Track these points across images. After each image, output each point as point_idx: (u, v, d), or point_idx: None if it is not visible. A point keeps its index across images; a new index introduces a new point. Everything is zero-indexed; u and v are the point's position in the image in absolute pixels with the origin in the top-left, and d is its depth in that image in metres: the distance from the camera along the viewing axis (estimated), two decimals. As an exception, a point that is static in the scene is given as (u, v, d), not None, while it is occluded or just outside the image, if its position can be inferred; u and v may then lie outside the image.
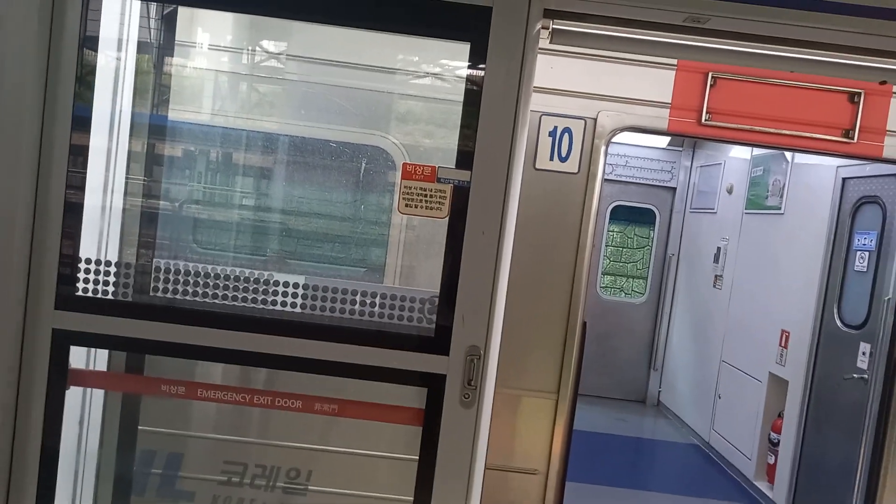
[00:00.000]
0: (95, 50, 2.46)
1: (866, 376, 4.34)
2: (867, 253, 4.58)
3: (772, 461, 5.44)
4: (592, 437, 6.60)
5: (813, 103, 3.58)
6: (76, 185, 2.44)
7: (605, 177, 4.97)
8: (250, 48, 3.68)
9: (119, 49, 2.74)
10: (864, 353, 4.43)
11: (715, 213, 7.14)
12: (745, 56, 3.22)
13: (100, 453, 2.98)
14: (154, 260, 3.00)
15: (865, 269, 4.58)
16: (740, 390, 6.04)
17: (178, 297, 2.52)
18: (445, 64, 2.93)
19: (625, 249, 9.16)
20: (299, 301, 2.49)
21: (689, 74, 3.59)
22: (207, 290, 2.51)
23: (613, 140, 3.75)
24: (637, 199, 8.10)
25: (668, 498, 5.63)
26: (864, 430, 4.16)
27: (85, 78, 2.43)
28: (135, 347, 2.54)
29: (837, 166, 4.89)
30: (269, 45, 3.71)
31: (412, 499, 2.50)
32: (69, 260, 2.41)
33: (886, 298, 4.12)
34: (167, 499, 3.52)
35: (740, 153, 6.60)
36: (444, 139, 3.34)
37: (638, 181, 7.99)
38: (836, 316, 4.84)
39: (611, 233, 8.74)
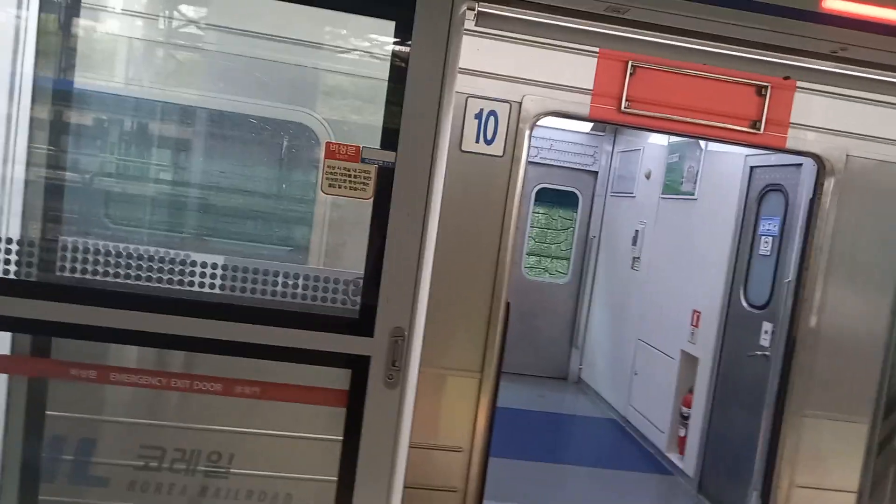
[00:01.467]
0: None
1: (768, 353, 4.62)
2: (771, 238, 4.86)
3: (683, 434, 5.74)
4: (515, 414, 6.77)
5: (724, 95, 3.75)
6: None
7: (531, 160, 5.06)
8: (167, 13, 3.51)
9: (19, 6, 2.56)
10: (766, 332, 4.72)
11: (634, 197, 7.40)
12: (662, 47, 3.34)
13: (4, 440, 2.83)
14: (61, 237, 2.84)
15: (769, 253, 4.86)
16: (655, 367, 6.33)
17: (87, 276, 2.41)
18: (372, 41, 2.89)
19: (549, 231, 9.37)
20: (218, 282, 2.43)
21: (610, 62, 3.69)
22: (120, 269, 2.42)
23: (539, 124, 3.81)
24: (561, 182, 8.28)
25: (587, 471, 5.86)
26: (765, 404, 4.44)
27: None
28: (40, 329, 2.41)
29: (746, 155, 5.15)
30: (188, 11, 3.56)
31: (336, 478, 2.51)
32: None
33: (787, 280, 4.39)
34: (80, 486, 3.39)
35: (658, 140, 6.84)
36: (369, 116, 3.30)
37: (562, 164, 8.16)
38: (742, 297, 5.12)
39: (535, 214, 8.91)
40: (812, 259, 4.00)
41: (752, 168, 5.13)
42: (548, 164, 8.12)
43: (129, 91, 3.52)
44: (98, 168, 3.50)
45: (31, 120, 2.70)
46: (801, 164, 4.45)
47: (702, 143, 5.84)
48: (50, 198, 2.86)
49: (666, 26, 2.59)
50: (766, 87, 3.73)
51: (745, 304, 5.08)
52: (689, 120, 3.76)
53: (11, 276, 2.32)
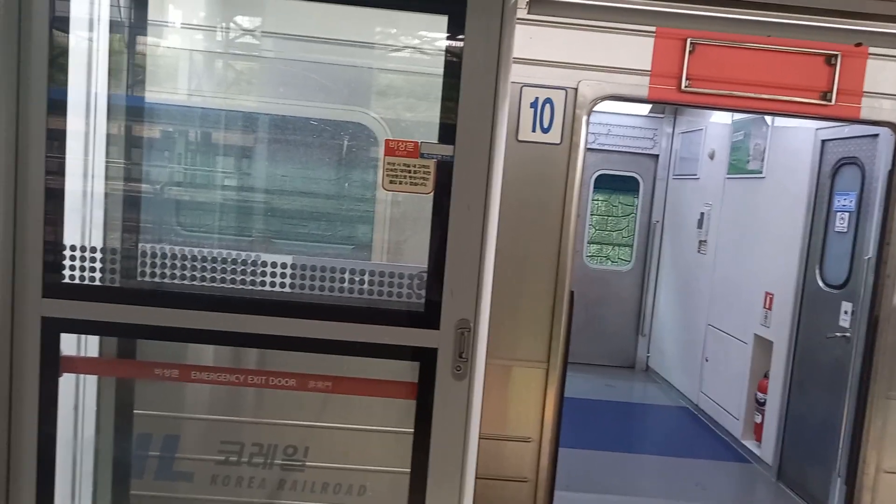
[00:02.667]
0: (66, 31, 2.42)
1: (849, 334, 4.43)
2: (847, 214, 4.64)
3: (759, 420, 5.56)
4: (583, 404, 6.71)
5: (790, 67, 3.60)
6: (55, 170, 2.42)
7: (588, 146, 4.99)
8: (225, 25, 3.63)
9: (91, 29, 2.70)
10: (846, 312, 4.52)
11: (698, 178, 7.19)
12: (722, 21, 3.23)
13: (97, 439, 3.00)
14: (140, 244, 2.98)
15: (846, 230, 4.65)
16: (726, 352, 6.15)
17: (165, 280, 2.52)
18: (425, 37, 2.91)
19: (609, 218, 9.22)
20: (288, 281, 2.50)
21: (668, 41, 3.60)
22: (195, 272, 2.52)
23: (596, 109, 3.76)
24: (620, 168, 8.12)
25: (659, 460, 5.76)
26: (847, 386, 4.26)
27: (57, 60, 2.40)
28: (124, 332, 2.54)
29: (816, 129, 4.93)
30: (243, 21, 3.66)
31: (409, 471, 2.55)
32: (53, 247, 2.41)
33: (867, 258, 4.19)
34: (166, 481, 3.56)
35: (721, 118, 6.63)
36: (425, 113, 3.33)
37: (620, 149, 8.01)
38: (818, 276, 4.92)
39: (595, 202, 8.78)
40: (894, 233, 3.81)
41: (823, 142, 4.91)
42: (606, 150, 7.99)
43: (193, 102, 3.66)
44: (169, 178, 3.66)
45: (107, 136, 2.83)
46: (877, 135, 4.23)
47: (768, 118, 5.63)
48: (127, 208, 3.00)
49: (725, -1, 2.51)
50: (835, 55, 3.57)
51: (821, 283, 4.88)
52: (754, 95, 3.63)
53: (97, 282, 2.45)
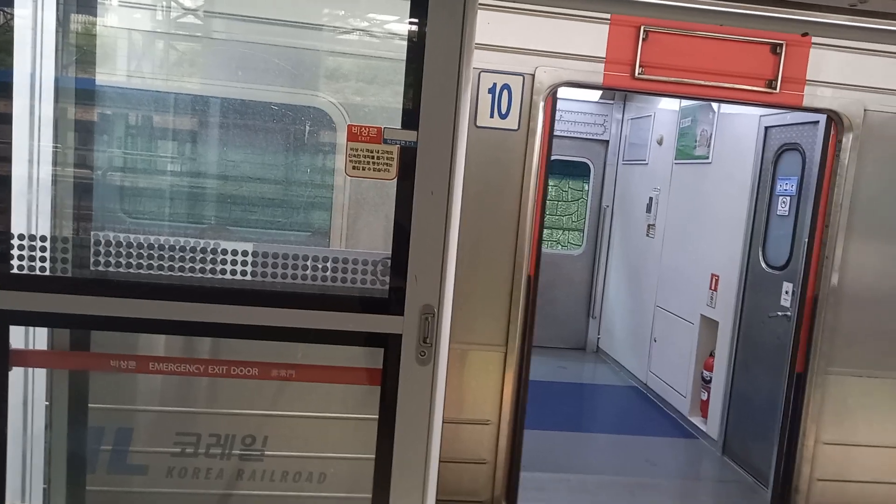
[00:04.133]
0: (10, 9, 2.31)
1: (790, 314, 4.63)
2: (788, 198, 4.84)
3: (705, 398, 5.78)
4: (537, 386, 6.83)
5: (739, 55, 3.71)
6: (0, 155, 2.32)
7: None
8: (176, 5, 3.51)
9: (35, 8, 2.57)
10: (787, 293, 4.72)
11: (646, 164, 7.36)
12: (674, 10, 3.30)
13: (48, 433, 2.90)
14: (91, 232, 2.89)
15: (787, 213, 4.84)
16: (674, 333, 6.35)
17: (118, 269, 2.45)
18: (386, 21, 2.88)
19: (560, 203, 9.34)
20: (249, 269, 2.46)
21: (622, 28, 3.66)
22: (150, 261, 2.45)
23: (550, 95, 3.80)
24: (572, 153, 8.24)
25: (610, 438, 5.92)
26: (787, 363, 4.46)
27: (1, 41, 2.29)
28: (75, 323, 2.46)
29: (760, 115, 5.11)
30: (199, 1, 3.55)
31: (374, 456, 2.56)
32: (1, 237, 2.31)
33: (806, 240, 4.38)
34: (120, 474, 3.48)
35: (669, 105, 6.79)
36: (384, 98, 3.31)
37: (572, 135, 8.11)
38: (761, 258, 5.12)
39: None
40: (831, 216, 3.99)
41: (766, 128, 5.09)
42: (558, 136, 8.06)
43: (143, 84, 3.54)
44: (120, 163, 3.54)
45: (54, 120, 2.72)
46: (817, 122, 4.41)
47: (714, 105, 5.79)
48: (77, 195, 2.89)
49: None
50: (781, 45, 3.69)
51: (764, 265, 5.08)
52: (703, 83, 3.73)
53: (47, 272, 2.36)
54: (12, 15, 2.34)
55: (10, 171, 2.34)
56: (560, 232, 9.43)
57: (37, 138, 2.66)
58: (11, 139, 2.33)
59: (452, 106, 2.37)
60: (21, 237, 2.34)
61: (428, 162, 2.37)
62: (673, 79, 3.75)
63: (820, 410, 4.15)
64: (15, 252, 2.33)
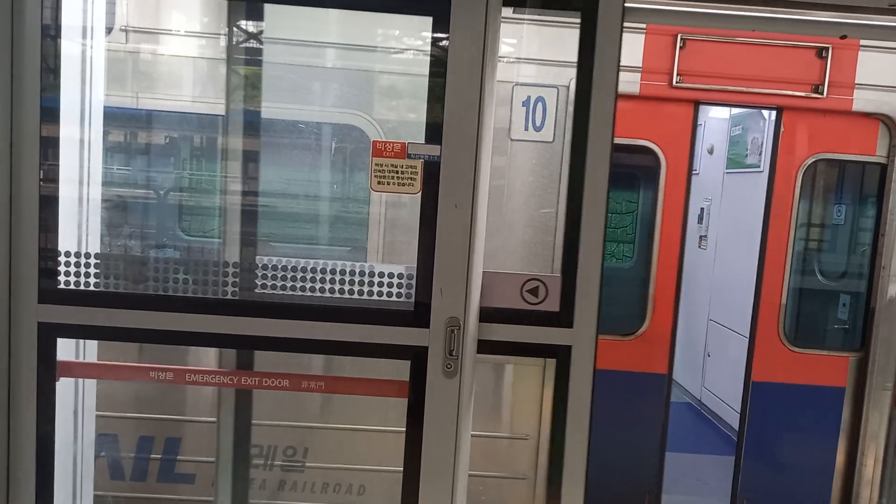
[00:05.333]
0: (59, 38, 2.45)
1: (847, 326, 4.42)
2: (843, 206, 4.63)
3: (760, 414, 5.55)
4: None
5: (781, 60, 3.60)
6: (50, 177, 2.45)
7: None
8: (225, 31, 3.65)
9: (84, 36, 2.72)
10: (843, 305, 4.51)
11: (697, 174, 7.17)
12: (711, 17, 3.22)
13: (98, 442, 3.04)
14: (137, 249, 3.02)
15: (843, 222, 4.64)
16: (728, 347, 6.14)
17: (162, 284, 2.55)
18: (411, 38, 2.93)
19: (613, 215, 9.17)
20: (289, 283, 2.52)
21: (658, 38, 3.60)
22: (190, 276, 2.54)
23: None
24: (619, 164, 8.10)
25: (669, 456, 5.75)
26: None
27: (51, 68, 2.43)
28: (120, 336, 2.57)
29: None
30: (248, 27, 3.69)
31: (401, 469, 2.57)
32: (49, 253, 2.44)
33: (863, 249, 4.19)
34: (168, 482, 3.60)
35: (720, 113, 6.61)
36: (417, 114, 3.35)
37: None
38: (816, 269, 4.90)
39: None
40: (887, 225, 3.80)
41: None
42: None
43: (188, 108, 3.69)
44: (164, 184, 3.69)
45: (103, 143, 2.86)
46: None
47: (765, 112, 5.61)
48: (123, 214, 3.04)
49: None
50: (826, 48, 3.57)
51: (819, 276, 4.86)
52: (744, 90, 3.63)
53: (92, 287, 2.48)
54: (61, 44, 2.48)
55: (57, 191, 2.47)
56: (614, 244, 9.25)
57: (87, 160, 2.81)
58: (59, 161, 2.47)
59: (476, 119, 2.38)
60: (68, 254, 2.47)
61: (452, 175, 2.39)
62: (713, 87, 3.66)
63: (878, 430, 3.94)
64: (62, 268, 2.46)
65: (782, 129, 3.77)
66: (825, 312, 4.44)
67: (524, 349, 2.50)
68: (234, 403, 2.95)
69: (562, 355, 2.48)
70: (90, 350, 2.82)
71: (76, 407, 2.86)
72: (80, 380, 2.83)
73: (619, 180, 3.70)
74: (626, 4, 2.35)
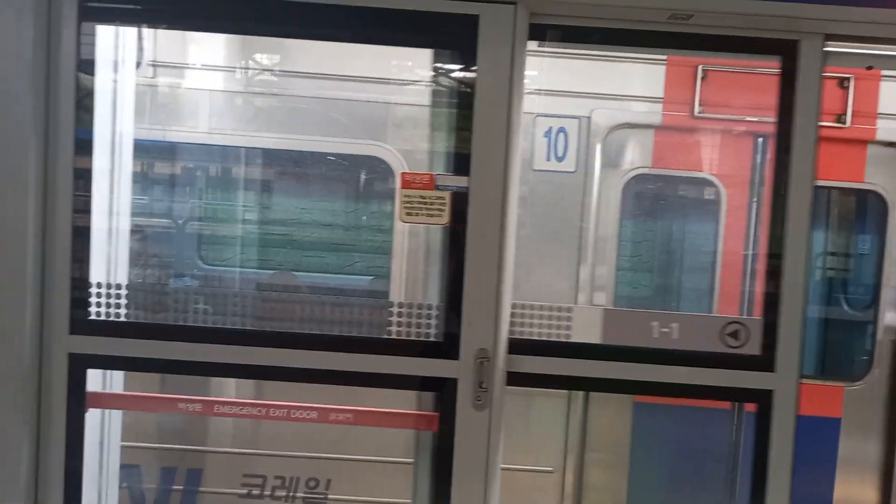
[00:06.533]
0: (92, 73, 2.51)
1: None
2: (868, 235, 4.59)
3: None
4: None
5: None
6: (82, 208, 2.48)
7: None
8: (243, 65, 3.74)
9: (115, 71, 2.78)
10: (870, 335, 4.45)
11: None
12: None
13: (122, 473, 3.03)
14: (163, 279, 3.05)
15: (868, 252, 4.59)
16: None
17: (188, 314, 2.56)
18: (437, 72, 2.97)
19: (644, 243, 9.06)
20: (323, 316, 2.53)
21: (679, 69, 3.63)
22: (218, 307, 2.56)
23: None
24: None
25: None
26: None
27: (84, 101, 2.48)
28: (151, 367, 2.58)
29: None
30: (262, 60, 3.77)
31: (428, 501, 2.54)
32: (80, 284, 2.46)
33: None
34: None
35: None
36: (439, 145, 3.39)
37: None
38: (842, 299, 4.85)
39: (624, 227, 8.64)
40: None
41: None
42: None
43: (212, 139, 3.75)
44: (191, 213, 3.74)
45: (132, 174, 2.91)
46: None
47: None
48: (153, 244, 3.07)
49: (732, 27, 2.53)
50: (848, 78, 3.57)
51: (846, 306, 4.81)
52: (766, 119, 3.63)
53: (122, 318, 2.50)
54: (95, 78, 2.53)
55: (90, 223, 2.50)
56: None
57: (116, 191, 2.85)
58: (90, 192, 2.50)
59: (503, 150, 2.40)
60: (99, 285, 2.49)
61: (480, 206, 2.40)
62: (735, 116, 3.68)
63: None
64: (93, 299, 2.47)
65: None
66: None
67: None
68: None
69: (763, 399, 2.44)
70: (116, 380, 2.84)
71: (102, 437, 2.86)
72: (108, 411, 2.83)
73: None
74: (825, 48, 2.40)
